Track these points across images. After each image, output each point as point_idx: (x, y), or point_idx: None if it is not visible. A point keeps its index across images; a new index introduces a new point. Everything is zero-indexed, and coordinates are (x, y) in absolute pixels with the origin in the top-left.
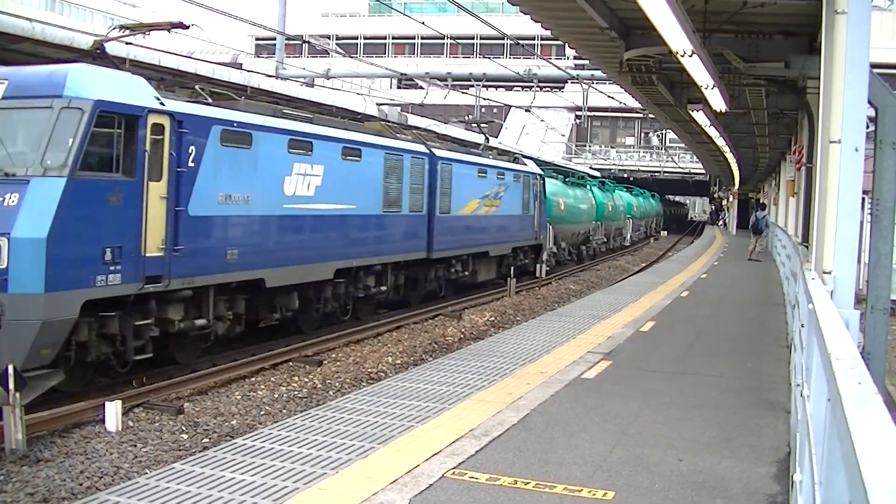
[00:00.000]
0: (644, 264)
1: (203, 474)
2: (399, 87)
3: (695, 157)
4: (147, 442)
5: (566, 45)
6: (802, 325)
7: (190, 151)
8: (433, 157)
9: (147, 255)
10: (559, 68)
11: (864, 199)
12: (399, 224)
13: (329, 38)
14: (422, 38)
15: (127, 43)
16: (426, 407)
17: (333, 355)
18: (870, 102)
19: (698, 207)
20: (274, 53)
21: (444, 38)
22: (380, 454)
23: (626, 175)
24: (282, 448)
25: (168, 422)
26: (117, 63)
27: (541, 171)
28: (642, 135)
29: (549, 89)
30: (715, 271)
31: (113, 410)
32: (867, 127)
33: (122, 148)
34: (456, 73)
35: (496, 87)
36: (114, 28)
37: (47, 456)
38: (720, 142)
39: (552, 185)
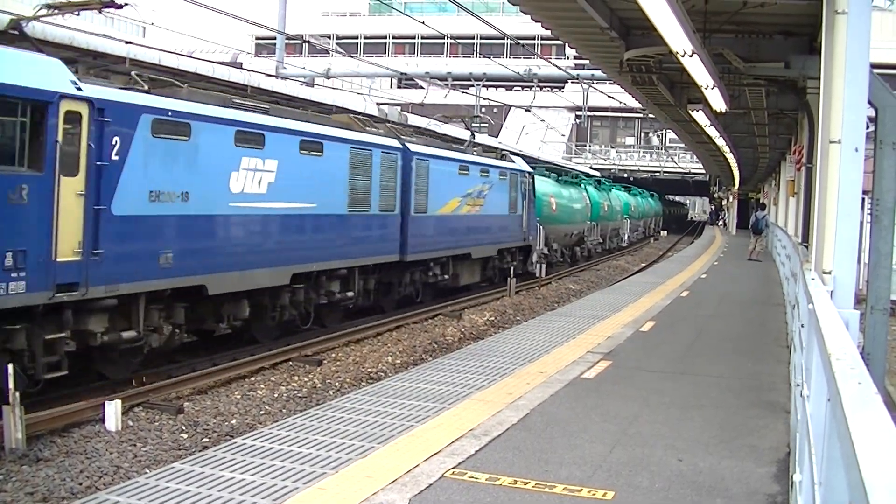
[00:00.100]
0: (644, 264)
1: (203, 474)
2: (399, 87)
3: (695, 157)
4: (147, 441)
5: (566, 44)
6: (802, 326)
7: (114, 143)
8: (407, 152)
9: (59, 259)
10: (559, 68)
11: (864, 199)
12: (367, 224)
13: (329, 38)
14: (422, 37)
15: (127, 42)
16: (426, 407)
17: (333, 355)
18: (870, 102)
19: (698, 207)
20: (274, 53)
21: (444, 38)
22: (379, 454)
23: (626, 175)
24: (281, 448)
25: (168, 421)
26: (38, 45)
27: (530, 169)
28: (642, 135)
29: (549, 89)
30: (715, 271)
31: (113, 410)
32: (867, 127)
33: (27, 138)
34: (456, 72)
35: (496, 86)
36: (40, 8)
37: (47, 455)
38: (720, 142)
39: (543, 183)
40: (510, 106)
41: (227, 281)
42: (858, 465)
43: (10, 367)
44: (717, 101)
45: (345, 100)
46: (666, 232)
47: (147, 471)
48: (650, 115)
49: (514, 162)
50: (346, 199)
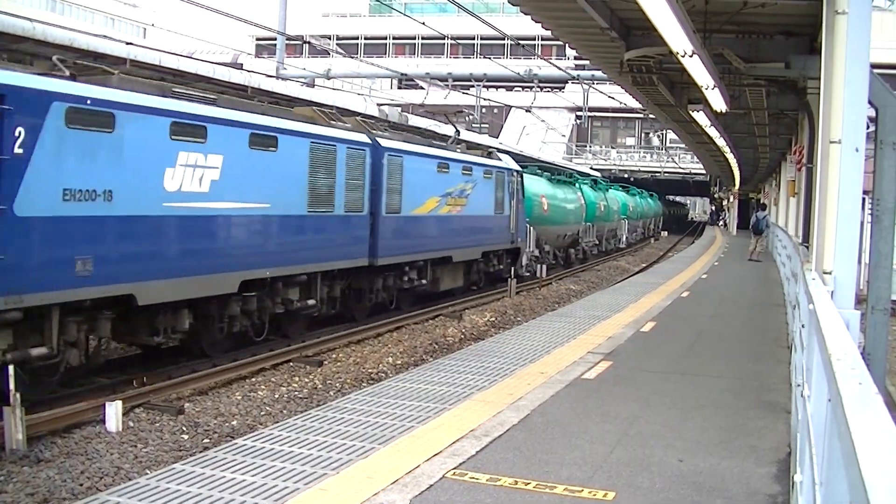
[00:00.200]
0: (644, 265)
1: (204, 475)
2: (400, 88)
3: (695, 157)
4: (147, 442)
5: (566, 45)
6: (803, 326)
7: (17, 134)
8: (378, 147)
9: None
10: (560, 68)
11: (864, 199)
12: (331, 226)
13: (329, 39)
14: (422, 38)
15: (128, 44)
16: (427, 407)
17: (334, 356)
18: (870, 102)
19: (699, 208)
20: (274, 54)
21: (444, 39)
22: (380, 454)
23: (626, 175)
24: (282, 448)
25: (168, 422)
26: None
27: (518, 167)
28: (643, 135)
29: (549, 89)
30: (715, 272)
31: (113, 411)
32: (867, 127)
33: None
34: (456, 73)
35: (497, 87)
36: None
37: (48, 456)
38: (720, 142)
39: (534, 182)
40: (510, 106)
41: (160, 290)
42: (859, 466)
43: (11, 368)
44: (718, 102)
45: (345, 101)
46: (666, 232)
47: (148, 472)
48: (650, 116)
49: (500, 160)
50: (306, 198)
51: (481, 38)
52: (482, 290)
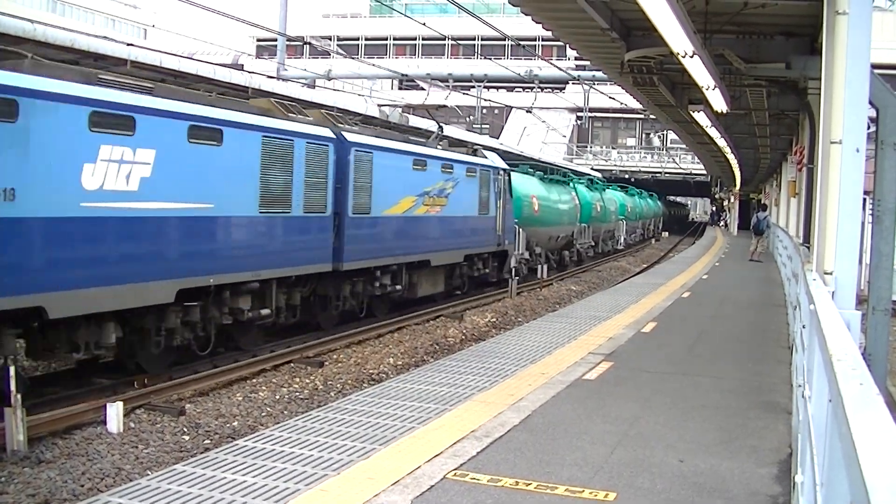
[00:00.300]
0: (645, 265)
1: (205, 476)
2: (400, 89)
3: (696, 157)
4: (148, 443)
5: (567, 46)
6: (804, 326)
7: None
8: (343, 142)
9: None
10: (560, 69)
11: (865, 199)
12: (287, 228)
13: (330, 40)
14: (423, 39)
15: (128, 45)
16: (427, 408)
17: (335, 356)
18: (871, 103)
19: (699, 208)
20: (275, 54)
21: (445, 39)
22: (381, 455)
23: (627, 176)
24: (283, 449)
25: (169, 423)
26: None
27: (505, 166)
28: (643, 136)
29: (550, 90)
30: (716, 272)
31: (114, 412)
32: (868, 127)
33: None
34: (457, 73)
35: (497, 88)
36: None
37: (49, 457)
38: (721, 143)
39: (525, 181)
40: (511, 107)
41: (77, 301)
42: (860, 466)
43: (12, 369)
44: (718, 102)
45: (345, 101)
46: (667, 233)
47: (149, 472)
48: (651, 116)
49: (486, 157)
50: (257, 197)
51: (482, 39)
52: (467, 294)
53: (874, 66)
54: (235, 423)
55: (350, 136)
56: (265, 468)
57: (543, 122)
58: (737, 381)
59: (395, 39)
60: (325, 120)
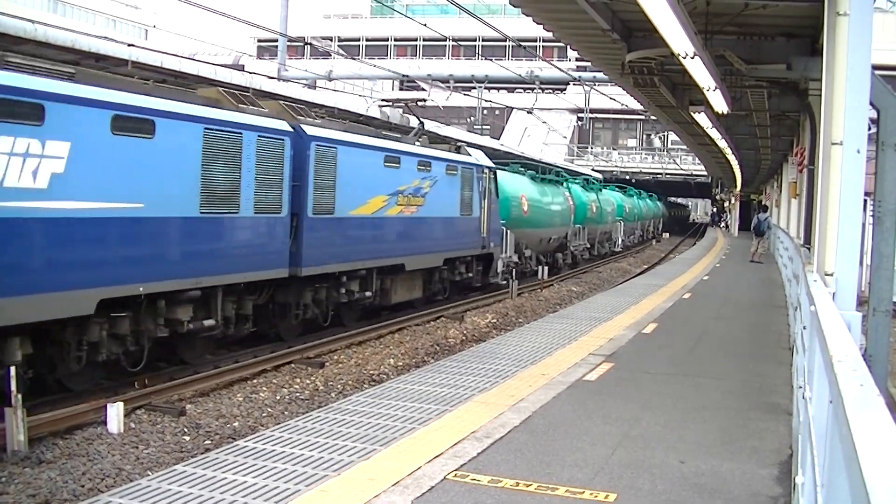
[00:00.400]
0: (646, 266)
1: (205, 476)
2: (401, 89)
3: (697, 158)
4: (149, 443)
5: (568, 46)
6: (804, 328)
7: None
8: (302, 136)
9: None
10: (561, 70)
11: (865, 200)
12: (235, 230)
13: (331, 40)
14: (424, 39)
15: (129, 45)
16: (428, 409)
17: (335, 357)
18: (872, 104)
19: (700, 209)
20: (276, 55)
21: (446, 40)
22: (381, 456)
23: (627, 177)
24: (283, 450)
25: (170, 423)
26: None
27: (490, 164)
28: (644, 136)
29: (550, 91)
30: (717, 273)
31: (115, 412)
32: (869, 129)
33: None
34: (458, 74)
35: (498, 88)
36: None
37: (49, 457)
38: (722, 144)
39: (513, 181)
40: (512, 108)
41: None
42: (860, 467)
43: (13, 369)
44: (719, 103)
45: (346, 102)
46: (668, 234)
47: (149, 473)
48: (652, 117)
49: (469, 155)
50: (197, 196)
51: (483, 40)
52: (451, 298)
53: (875, 68)
54: (236, 424)
55: (310, 130)
56: (266, 469)
57: (544, 122)
58: (737, 382)
59: (396, 40)
60: (282, 112)
